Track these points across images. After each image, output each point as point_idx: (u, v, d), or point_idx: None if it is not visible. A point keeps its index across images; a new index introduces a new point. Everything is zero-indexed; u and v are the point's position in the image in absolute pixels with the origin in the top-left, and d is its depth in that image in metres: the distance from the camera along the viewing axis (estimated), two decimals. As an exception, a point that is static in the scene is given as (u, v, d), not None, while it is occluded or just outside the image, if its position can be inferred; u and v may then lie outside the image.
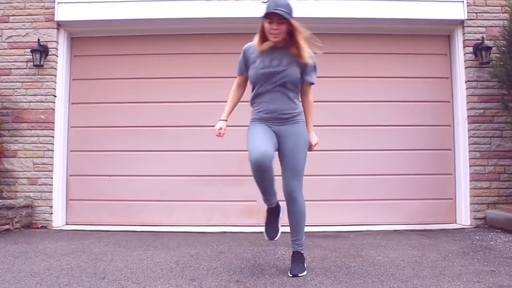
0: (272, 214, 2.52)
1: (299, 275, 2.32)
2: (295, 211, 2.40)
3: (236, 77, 2.62)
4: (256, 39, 2.39)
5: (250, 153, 2.27)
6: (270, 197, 2.45)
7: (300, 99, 2.51)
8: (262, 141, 2.29)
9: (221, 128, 2.53)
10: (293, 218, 2.41)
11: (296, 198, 2.39)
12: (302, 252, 2.44)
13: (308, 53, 2.35)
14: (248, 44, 2.47)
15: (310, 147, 2.54)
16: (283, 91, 2.37)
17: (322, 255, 2.90)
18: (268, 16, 2.25)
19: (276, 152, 2.42)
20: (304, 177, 4.57)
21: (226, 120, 2.58)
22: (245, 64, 2.47)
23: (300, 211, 2.40)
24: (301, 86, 2.46)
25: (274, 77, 2.35)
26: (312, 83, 2.47)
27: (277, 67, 2.35)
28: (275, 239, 2.51)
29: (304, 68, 2.40)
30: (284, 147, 2.41)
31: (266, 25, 2.29)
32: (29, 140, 4.27)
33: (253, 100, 2.49)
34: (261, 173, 2.28)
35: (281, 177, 2.45)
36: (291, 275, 2.32)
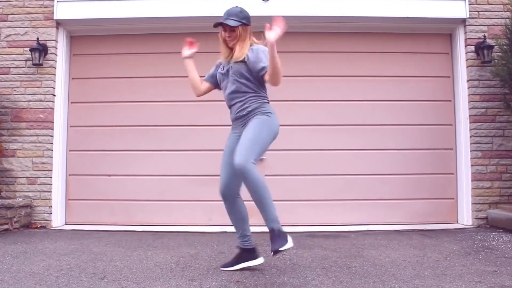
0: (242, 254, 2.47)
1: (280, 249, 2.14)
2: (249, 185, 2.26)
3: None
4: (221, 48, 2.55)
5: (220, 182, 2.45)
6: (240, 232, 2.48)
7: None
8: (228, 175, 2.48)
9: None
10: (251, 193, 2.27)
11: (247, 171, 2.21)
12: (276, 228, 2.24)
13: (239, 53, 2.43)
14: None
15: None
16: (235, 88, 2.44)
17: (323, 255, 2.88)
18: (222, 25, 2.46)
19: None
20: (304, 177, 4.58)
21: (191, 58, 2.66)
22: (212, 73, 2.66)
23: (255, 184, 2.25)
24: (262, 79, 2.45)
25: (226, 78, 2.49)
26: (264, 67, 2.38)
27: (224, 68, 2.52)
28: (227, 269, 2.44)
29: (251, 66, 2.41)
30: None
31: (222, 33, 2.51)
32: (28, 140, 4.25)
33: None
34: (227, 204, 2.51)
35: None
36: (272, 253, 2.20)
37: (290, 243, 2.20)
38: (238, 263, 2.46)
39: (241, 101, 2.43)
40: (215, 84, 2.65)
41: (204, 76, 2.74)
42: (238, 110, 2.44)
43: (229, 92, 2.48)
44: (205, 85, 2.69)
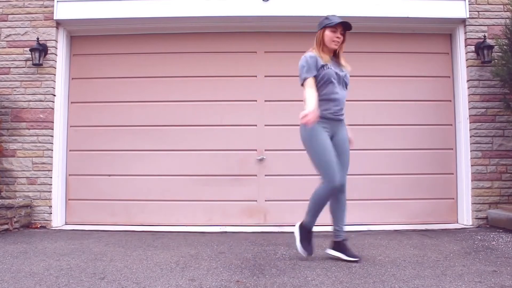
0: (310, 233, 2.81)
1: (356, 259, 2.63)
2: (344, 198, 2.76)
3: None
4: (315, 51, 2.71)
5: (334, 176, 2.59)
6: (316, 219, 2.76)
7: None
8: (338, 165, 2.64)
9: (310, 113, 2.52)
10: (343, 204, 2.77)
11: (345, 191, 2.75)
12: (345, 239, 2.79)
13: (346, 63, 2.83)
14: (310, 53, 2.72)
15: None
16: (343, 93, 2.74)
17: (323, 255, 2.88)
18: (336, 25, 2.65)
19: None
20: (304, 177, 4.58)
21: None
22: (317, 68, 2.67)
23: (345, 199, 2.77)
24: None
25: (340, 78, 2.71)
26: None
27: (341, 71, 2.74)
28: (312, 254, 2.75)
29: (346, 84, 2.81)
30: (340, 146, 2.75)
31: (329, 34, 2.67)
32: (28, 140, 4.25)
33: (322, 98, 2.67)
34: (340, 195, 2.69)
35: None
36: (356, 259, 2.62)
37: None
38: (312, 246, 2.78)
39: (342, 108, 2.75)
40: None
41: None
42: (340, 113, 2.72)
43: (341, 94, 2.71)
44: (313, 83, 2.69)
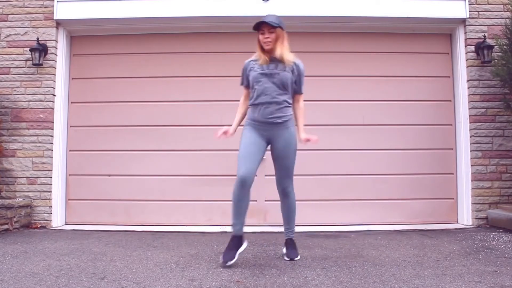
0: (235, 242, 2.60)
1: (295, 259, 2.70)
2: (288, 202, 2.77)
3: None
4: (256, 54, 2.69)
5: (239, 168, 2.56)
6: (240, 221, 2.60)
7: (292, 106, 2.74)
8: (252, 159, 2.58)
9: (226, 132, 2.73)
10: (286, 208, 2.79)
11: (290, 193, 2.74)
12: (294, 239, 2.82)
13: (290, 56, 2.63)
14: (249, 59, 2.75)
15: (305, 142, 2.71)
16: (274, 94, 2.60)
17: (323, 255, 2.88)
18: (260, 27, 2.60)
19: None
20: (304, 177, 4.59)
21: (234, 131, 2.78)
22: (246, 76, 2.72)
23: (293, 203, 2.79)
24: (293, 94, 2.72)
25: (271, 78, 2.61)
26: (301, 94, 2.75)
27: (273, 70, 2.62)
28: (229, 263, 2.52)
29: (297, 78, 2.69)
30: (277, 151, 2.69)
31: (260, 36, 2.63)
32: (28, 140, 4.25)
33: (250, 103, 2.70)
34: (243, 191, 2.55)
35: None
36: (288, 259, 2.70)
37: (299, 256, 2.77)
38: (235, 253, 2.57)
39: (277, 109, 2.60)
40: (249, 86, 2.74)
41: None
42: (272, 116, 2.60)
43: (269, 96, 2.59)
44: (246, 94, 2.78)
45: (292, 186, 2.76)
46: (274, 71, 2.61)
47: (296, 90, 2.71)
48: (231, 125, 2.77)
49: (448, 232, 3.88)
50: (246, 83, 2.73)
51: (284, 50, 2.61)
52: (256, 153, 2.62)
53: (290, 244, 2.80)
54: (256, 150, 2.62)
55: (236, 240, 2.59)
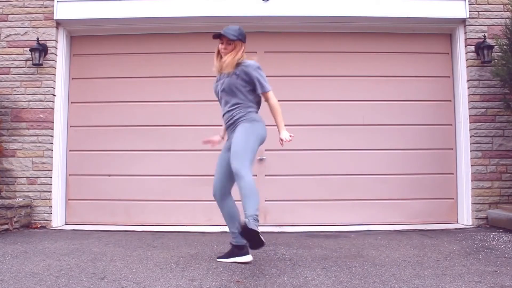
0: (235, 251, 2.68)
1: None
2: (241, 187, 2.51)
3: None
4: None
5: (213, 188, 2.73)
6: (231, 230, 2.71)
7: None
8: (220, 177, 2.72)
9: (212, 141, 2.92)
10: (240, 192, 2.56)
11: (242, 176, 2.47)
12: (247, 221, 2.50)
13: (228, 63, 2.66)
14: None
15: (282, 142, 2.70)
16: (227, 99, 2.71)
17: (323, 255, 2.88)
18: (219, 37, 2.69)
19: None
20: (304, 177, 4.59)
21: (222, 138, 2.90)
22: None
23: (246, 187, 2.48)
24: (258, 95, 2.74)
25: (217, 88, 2.76)
26: (265, 92, 2.69)
27: (219, 81, 2.76)
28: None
29: (248, 78, 2.67)
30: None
31: (219, 46, 2.72)
32: (28, 140, 4.25)
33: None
34: (218, 203, 2.72)
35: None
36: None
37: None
38: (230, 257, 2.69)
39: (229, 111, 2.70)
40: None
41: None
42: (228, 119, 2.72)
43: (224, 103, 2.74)
44: None
45: (245, 170, 2.48)
46: (219, 81, 2.74)
47: (257, 89, 2.67)
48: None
49: (448, 232, 3.88)
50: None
51: (228, 59, 2.64)
52: (219, 166, 2.78)
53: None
54: (219, 163, 2.79)
55: (236, 249, 2.68)
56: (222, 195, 2.72)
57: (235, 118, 2.67)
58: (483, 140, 4.23)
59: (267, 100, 2.72)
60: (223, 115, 2.77)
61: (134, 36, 4.55)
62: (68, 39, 4.53)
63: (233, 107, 2.68)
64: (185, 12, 4.30)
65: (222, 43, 2.69)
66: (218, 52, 2.75)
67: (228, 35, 2.63)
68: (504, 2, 4.28)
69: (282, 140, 2.67)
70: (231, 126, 2.71)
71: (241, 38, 2.69)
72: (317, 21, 4.39)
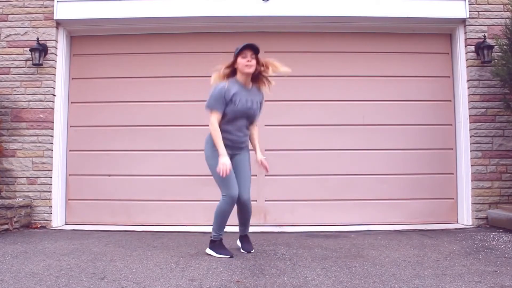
0: (221, 241, 2.89)
1: (251, 251, 2.95)
2: (248, 211, 2.94)
3: None
4: (222, 74, 2.83)
5: (233, 188, 2.75)
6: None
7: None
8: (235, 180, 2.79)
9: (228, 166, 2.72)
10: (246, 215, 2.95)
11: (250, 204, 2.91)
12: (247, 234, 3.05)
13: (268, 86, 2.90)
14: (222, 84, 2.79)
15: (263, 165, 2.91)
16: (247, 125, 2.86)
17: (323, 255, 2.88)
18: (243, 51, 2.71)
19: None
20: (304, 177, 4.59)
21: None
22: (226, 103, 2.76)
23: (250, 211, 2.95)
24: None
25: (248, 114, 2.82)
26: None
27: (252, 106, 2.81)
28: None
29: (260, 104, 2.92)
30: (240, 166, 2.88)
31: (241, 60, 2.73)
32: (28, 140, 4.25)
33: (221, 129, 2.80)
34: (232, 208, 2.82)
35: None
36: (245, 252, 2.93)
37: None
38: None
39: (246, 134, 2.90)
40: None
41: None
42: (243, 141, 2.87)
43: (242, 122, 2.80)
44: (220, 116, 2.80)
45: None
46: (247, 97, 2.80)
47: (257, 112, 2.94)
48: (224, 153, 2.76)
49: (448, 232, 3.88)
50: (224, 108, 2.75)
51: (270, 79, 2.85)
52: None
53: (247, 239, 3.04)
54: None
55: (222, 241, 2.89)
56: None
57: (246, 143, 2.91)
58: (483, 140, 4.23)
59: (255, 124, 2.97)
60: (238, 135, 2.82)
61: (134, 36, 4.55)
62: (68, 39, 4.53)
63: (247, 134, 2.89)
64: (185, 12, 4.30)
65: (244, 57, 2.71)
66: (229, 66, 2.80)
67: (255, 47, 2.73)
68: (504, 2, 4.27)
69: (265, 163, 2.90)
70: (241, 147, 2.87)
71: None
72: (317, 21, 4.39)
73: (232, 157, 2.81)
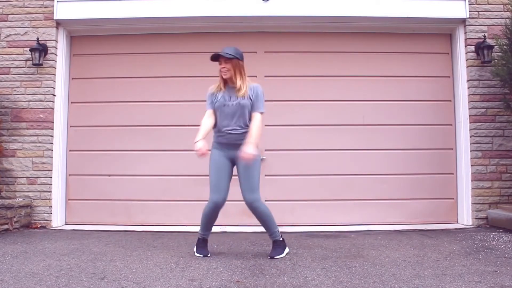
0: (205, 243, 2.94)
1: (275, 257, 2.81)
2: (259, 216, 2.87)
3: None
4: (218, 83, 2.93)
5: (212, 192, 2.81)
6: (209, 232, 2.95)
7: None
8: (223, 183, 2.84)
9: (200, 149, 2.82)
10: (260, 220, 2.89)
11: (258, 206, 2.84)
12: (279, 239, 2.91)
13: (245, 89, 2.83)
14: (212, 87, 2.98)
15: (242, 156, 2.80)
16: (238, 121, 2.83)
17: (323, 255, 2.88)
18: (217, 59, 2.86)
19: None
20: (304, 177, 4.60)
21: (203, 139, 2.85)
22: (213, 102, 2.92)
23: (264, 215, 2.87)
24: (249, 114, 2.87)
25: (224, 109, 2.84)
26: (261, 112, 2.87)
27: (225, 102, 2.85)
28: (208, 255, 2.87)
29: (254, 100, 2.86)
30: (239, 168, 2.86)
31: (218, 67, 2.86)
32: (28, 140, 4.25)
33: (215, 128, 2.93)
34: (216, 212, 2.84)
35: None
36: (269, 257, 2.81)
37: (286, 251, 2.92)
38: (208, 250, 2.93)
39: (240, 133, 2.82)
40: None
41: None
42: (237, 139, 2.81)
43: (233, 122, 2.82)
44: (212, 114, 2.93)
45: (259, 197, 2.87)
46: (228, 103, 2.82)
47: (254, 108, 2.85)
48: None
49: (448, 232, 3.88)
50: (212, 107, 2.92)
51: (244, 88, 2.82)
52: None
53: (276, 244, 2.92)
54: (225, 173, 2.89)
55: (205, 242, 2.94)
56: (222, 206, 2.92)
57: (244, 140, 2.81)
58: (483, 140, 4.23)
59: (253, 118, 2.86)
60: (226, 130, 2.84)
61: (134, 36, 4.55)
62: (68, 39, 4.53)
63: (244, 130, 2.82)
64: (185, 12, 4.30)
65: (220, 63, 2.84)
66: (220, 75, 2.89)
67: (225, 54, 2.79)
68: (504, 2, 4.27)
69: (245, 153, 2.74)
70: (237, 145, 2.80)
71: (239, 56, 2.83)
72: (317, 21, 4.39)
73: (233, 159, 2.85)
